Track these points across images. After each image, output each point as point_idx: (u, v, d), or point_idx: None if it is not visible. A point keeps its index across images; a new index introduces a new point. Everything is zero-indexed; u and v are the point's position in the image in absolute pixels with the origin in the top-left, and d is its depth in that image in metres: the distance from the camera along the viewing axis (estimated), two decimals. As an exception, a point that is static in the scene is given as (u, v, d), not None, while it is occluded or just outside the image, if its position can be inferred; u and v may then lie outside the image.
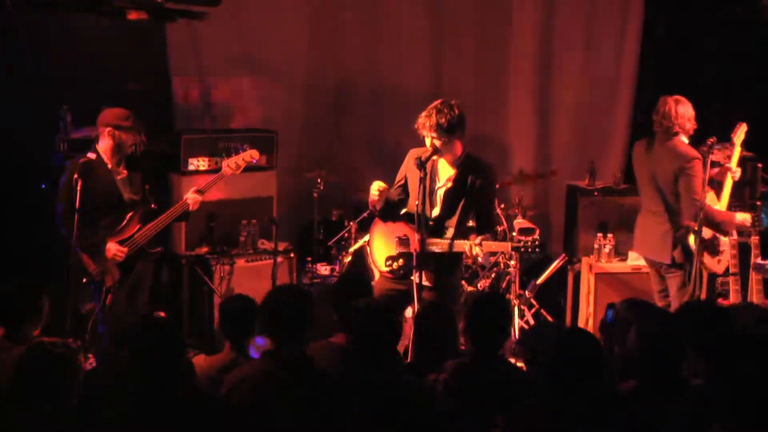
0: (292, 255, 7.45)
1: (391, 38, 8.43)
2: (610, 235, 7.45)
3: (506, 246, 5.65)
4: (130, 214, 6.01)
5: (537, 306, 7.62)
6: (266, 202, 7.53)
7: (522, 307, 7.38)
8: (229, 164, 6.28)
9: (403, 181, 5.72)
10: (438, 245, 5.49)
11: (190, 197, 6.12)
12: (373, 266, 5.80)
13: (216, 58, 8.02)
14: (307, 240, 7.89)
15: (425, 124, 5.45)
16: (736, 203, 6.61)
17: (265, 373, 4.05)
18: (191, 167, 7.29)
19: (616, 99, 8.62)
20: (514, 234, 7.52)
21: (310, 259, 7.67)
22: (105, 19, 7.15)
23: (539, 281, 7.68)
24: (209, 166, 7.30)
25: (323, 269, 7.60)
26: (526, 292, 7.53)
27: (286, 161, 7.94)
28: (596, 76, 8.64)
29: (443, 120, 5.39)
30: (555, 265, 7.72)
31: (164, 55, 7.82)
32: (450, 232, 5.55)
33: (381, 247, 5.73)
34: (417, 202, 5.35)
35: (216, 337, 6.62)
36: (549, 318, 7.62)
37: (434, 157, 5.48)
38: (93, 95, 7.03)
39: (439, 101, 5.51)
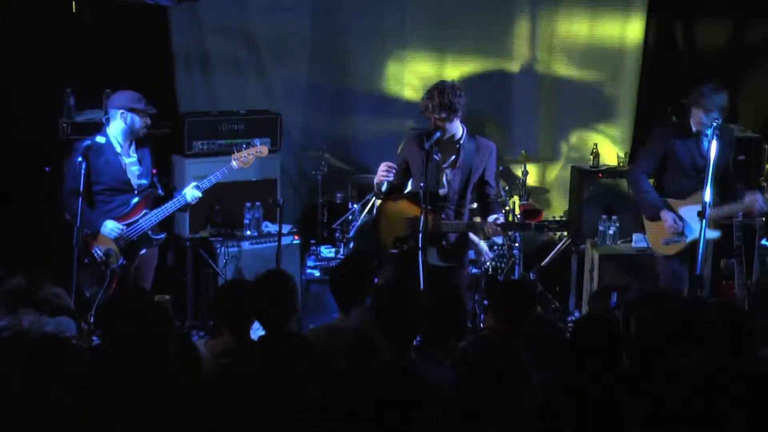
0: (296, 237, 7.45)
1: (395, 14, 8.38)
2: (614, 217, 7.44)
3: (528, 225, 5.74)
4: (136, 199, 6.03)
5: (541, 288, 7.62)
6: (270, 184, 7.52)
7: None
8: (239, 158, 6.29)
9: (404, 165, 5.76)
10: (452, 226, 5.61)
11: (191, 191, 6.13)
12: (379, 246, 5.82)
13: (218, 38, 7.99)
14: (311, 222, 7.89)
15: (428, 105, 5.50)
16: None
17: (260, 356, 4.08)
18: (195, 150, 7.29)
19: (621, 81, 8.57)
20: (517, 215, 7.54)
21: (314, 241, 7.67)
22: (108, 1, 7.15)
23: (543, 263, 7.68)
24: (213, 148, 7.30)
25: (327, 251, 7.61)
26: (531, 274, 7.52)
27: (289, 143, 7.93)
28: (601, 57, 8.57)
29: (446, 100, 5.45)
30: (559, 247, 7.72)
31: (167, 36, 7.80)
32: (459, 211, 5.64)
33: (389, 229, 5.76)
34: (421, 184, 5.38)
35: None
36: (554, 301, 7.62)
37: (439, 138, 5.51)
38: (96, 78, 7.03)
39: (439, 82, 5.58)
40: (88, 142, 5.89)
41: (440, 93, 5.46)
